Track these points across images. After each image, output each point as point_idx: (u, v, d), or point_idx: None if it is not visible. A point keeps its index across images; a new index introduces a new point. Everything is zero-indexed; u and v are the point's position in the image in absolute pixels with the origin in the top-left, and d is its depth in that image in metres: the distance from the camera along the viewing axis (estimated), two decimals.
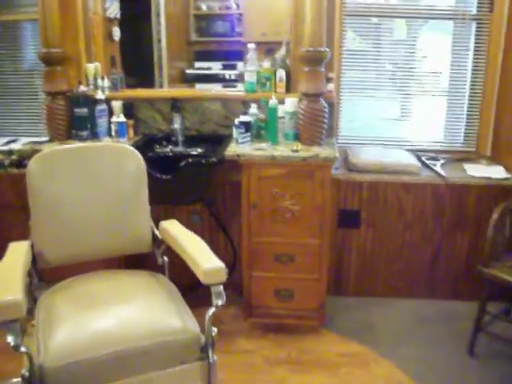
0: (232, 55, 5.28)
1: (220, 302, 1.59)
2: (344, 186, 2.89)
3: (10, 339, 1.39)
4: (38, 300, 1.86)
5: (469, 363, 2.51)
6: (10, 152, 3.25)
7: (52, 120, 2.76)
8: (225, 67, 5.30)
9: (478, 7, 3.10)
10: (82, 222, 1.96)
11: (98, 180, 1.98)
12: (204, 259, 1.64)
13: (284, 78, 2.75)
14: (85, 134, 2.75)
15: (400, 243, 2.97)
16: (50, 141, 2.79)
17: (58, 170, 1.94)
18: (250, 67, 2.77)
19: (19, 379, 1.64)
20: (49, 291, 1.89)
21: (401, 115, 3.50)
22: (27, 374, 1.44)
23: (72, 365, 1.50)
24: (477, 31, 3.14)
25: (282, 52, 2.78)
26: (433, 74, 3.40)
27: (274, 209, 2.54)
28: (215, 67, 5.30)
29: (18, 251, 1.76)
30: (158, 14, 4.61)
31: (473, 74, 3.19)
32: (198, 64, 5.34)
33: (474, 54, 3.17)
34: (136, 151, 2.02)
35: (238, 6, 5.35)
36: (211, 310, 1.61)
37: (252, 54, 2.78)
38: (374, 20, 3.37)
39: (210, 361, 1.64)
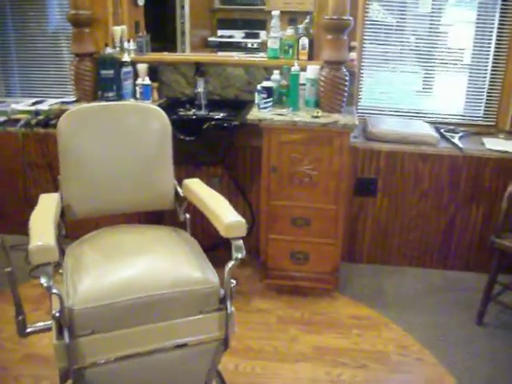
0: (255, 24, 5.26)
1: (240, 256, 1.66)
2: (362, 155, 2.94)
3: (43, 281, 1.48)
4: (65, 251, 1.95)
5: (477, 332, 2.59)
6: (37, 112, 3.34)
7: (79, 81, 2.83)
8: (247, 36, 5.29)
9: None
10: (108, 177, 2.04)
11: (124, 138, 2.05)
12: (226, 214, 1.71)
13: (307, 45, 2.78)
14: (110, 95, 2.82)
15: (415, 213, 3.02)
16: (77, 101, 2.87)
17: (86, 127, 2.01)
18: (274, 34, 2.80)
19: (50, 322, 1.76)
20: (76, 242, 1.98)
21: (422, 88, 3.51)
22: (58, 314, 1.53)
23: (98, 308, 1.59)
24: (502, 5, 3.11)
25: (305, 20, 2.80)
26: (456, 49, 3.40)
27: (293, 173, 2.60)
28: (237, 35, 5.29)
29: (49, 201, 1.85)
30: None
31: (496, 49, 3.19)
32: (220, 32, 5.34)
33: (498, 29, 3.15)
34: (162, 111, 2.08)
35: None
36: (231, 263, 1.68)
37: (276, 20, 2.81)
38: None
39: (228, 311, 1.71)
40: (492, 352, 2.43)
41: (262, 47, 4.45)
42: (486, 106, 3.28)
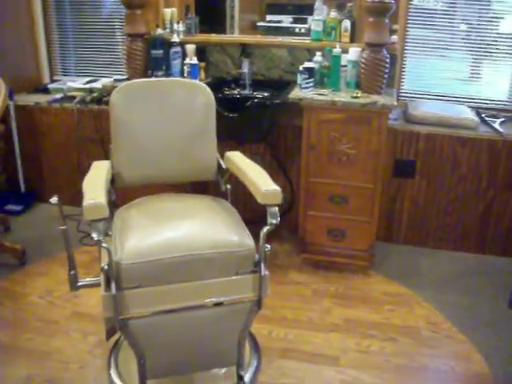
0: (303, 9, 5.27)
1: (274, 221, 1.77)
2: (401, 137, 2.99)
3: (94, 235, 1.62)
4: (114, 214, 2.11)
5: (508, 314, 2.61)
6: (91, 90, 3.54)
7: (130, 60, 2.99)
8: (295, 21, 5.31)
9: None
10: (155, 148, 2.17)
11: (171, 111, 2.18)
12: (263, 183, 1.83)
13: (349, 27, 2.85)
14: (160, 74, 2.96)
15: (453, 196, 3.05)
16: (128, 79, 3.02)
17: (136, 101, 2.14)
18: (317, 17, 2.88)
19: (99, 277, 1.93)
20: (124, 207, 2.13)
21: (470, 76, 3.50)
22: (106, 267, 1.68)
23: (143, 263, 1.73)
24: None
25: (349, 4, 2.87)
26: (507, 35, 3.37)
27: (331, 152, 2.69)
28: (286, 20, 5.32)
29: (101, 167, 2.00)
30: None
31: None
32: (269, 17, 5.38)
33: None
34: (207, 87, 2.20)
35: None
36: (265, 228, 1.78)
37: (319, 3, 2.88)
38: None
39: (262, 274, 1.83)
40: None
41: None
42: None
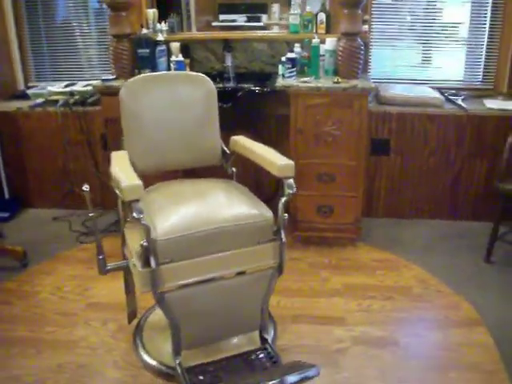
0: (256, 7, 5.45)
1: (291, 191, 1.97)
2: (375, 118, 3.25)
3: (135, 214, 1.77)
4: None
5: (486, 268, 2.93)
6: (72, 93, 3.62)
7: (118, 60, 3.12)
8: (249, 19, 5.46)
9: None
10: (164, 137, 2.31)
11: (177, 102, 2.33)
12: (277, 158, 2.03)
13: (324, 20, 3.09)
14: (147, 71, 3.09)
15: (425, 169, 3.35)
16: (116, 78, 3.15)
17: (143, 94, 2.28)
18: (294, 11, 3.10)
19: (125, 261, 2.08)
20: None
21: (421, 61, 3.82)
22: (145, 244, 1.83)
23: (176, 239, 1.88)
24: None
25: None
26: (452, 23, 3.72)
27: (318, 134, 2.91)
28: (240, 20, 5.47)
29: (123, 156, 2.13)
30: None
31: (491, 19, 3.50)
32: (222, 17, 5.52)
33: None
34: (208, 78, 2.36)
35: None
36: (283, 199, 1.98)
37: None
38: None
39: (283, 240, 2.02)
40: (500, 283, 2.77)
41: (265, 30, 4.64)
42: (484, 72, 3.61)
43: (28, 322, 2.55)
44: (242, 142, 2.30)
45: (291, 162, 1.99)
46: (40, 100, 3.68)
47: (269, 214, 2.04)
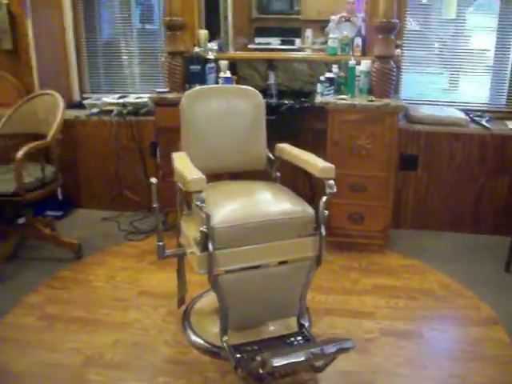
0: (290, 32, 5.72)
1: (331, 191, 2.24)
2: (405, 135, 3.51)
3: (199, 203, 2.05)
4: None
5: (505, 277, 3.15)
6: (124, 104, 3.96)
7: (171, 75, 3.45)
8: (283, 43, 5.75)
9: None
10: (218, 143, 2.59)
11: (229, 112, 2.62)
12: (319, 161, 2.30)
13: (360, 44, 3.38)
14: (197, 86, 3.40)
15: (450, 184, 3.59)
16: (170, 91, 3.47)
17: (201, 104, 2.59)
18: (333, 35, 3.41)
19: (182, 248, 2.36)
20: None
21: (449, 85, 4.10)
22: (206, 230, 2.10)
23: (231, 228, 2.15)
24: None
25: (359, 23, 3.42)
26: (478, 51, 3.99)
27: (352, 147, 3.18)
28: (274, 43, 5.75)
29: (184, 156, 2.42)
30: None
31: None
32: (258, 39, 5.80)
33: None
34: (258, 92, 2.67)
35: None
36: (325, 197, 2.26)
37: (333, 24, 3.42)
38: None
39: (323, 234, 2.28)
40: None
41: None
42: (508, 96, 3.85)
43: (85, 304, 2.83)
44: (287, 149, 2.59)
45: (332, 165, 2.26)
46: (95, 110, 4.03)
47: (311, 210, 2.32)
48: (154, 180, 2.30)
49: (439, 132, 3.50)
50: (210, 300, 2.77)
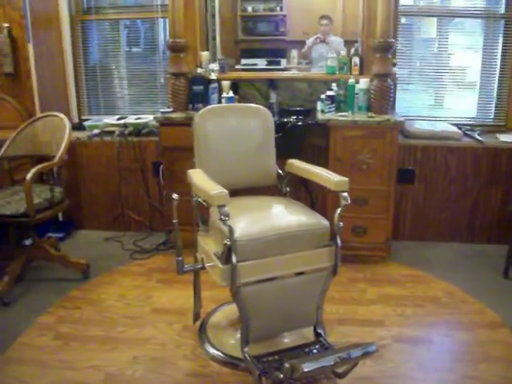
0: (276, 52, 5.85)
1: (346, 203, 2.34)
2: (402, 150, 3.64)
3: (223, 217, 2.12)
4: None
5: (504, 283, 3.28)
6: (125, 125, 4.03)
7: (175, 95, 3.54)
8: (269, 63, 5.83)
9: (506, 6, 3.88)
10: (230, 160, 2.67)
11: (241, 130, 2.72)
12: (333, 175, 2.40)
13: (358, 63, 3.52)
14: (200, 106, 3.49)
15: (446, 196, 3.73)
16: (173, 111, 3.55)
17: (213, 122, 2.68)
18: (331, 55, 3.55)
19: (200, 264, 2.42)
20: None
21: (434, 103, 4.27)
22: (229, 242, 2.17)
23: (253, 241, 2.22)
24: (505, 27, 3.91)
25: (356, 44, 3.56)
26: (462, 68, 4.19)
27: (354, 162, 3.30)
28: (260, 63, 5.84)
29: (201, 172, 2.49)
30: (213, 16, 5.28)
31: (502, 62, 3.96)
32: (244, 61, 5.89)
33: (503, 47, 3.93)
34: (267, 110, 2.77)
35: (281, 7, 6.00)
36: (339, 209, 2.35)
37: (341, 44, 3.59)
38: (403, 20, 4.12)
39: (338, 244, 2.37)
40: None
41: None
42: (495, 110, 4.04)
43: (99, 323, 2.86)
44: (298, 164, 2.68)
45: (346, 178, 2.36)
46: (96, 131, 4.08)
47: (326, 222, 2.40)
48: (175, 196, 2.37)
49: (434, 146, 3.64)
50: (224, 314, 2.84)
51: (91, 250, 3.82)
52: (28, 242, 3.45)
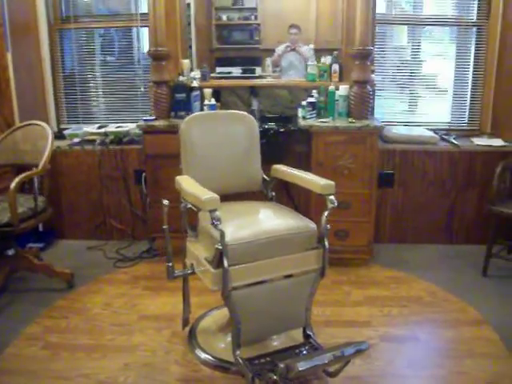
0: (250, 61, 5.89)
1: (333, 205, 2.40)
2: (381, 154, 3.72)
3: (214, 221, 2.15)
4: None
5: (484, 281, 3.39)
6: (106, 134, 4.03)
7: (157, 103, 3.56)
8: (244, 71, 5.87)
9: (477, 14, 4.03)
10: (216, 166, 2.70)
11: (227, 136, 2.75)
12: (318, 179, 2.47)
13: (337, 70, 3.60)
14: (183, 113, 3.51)
15: (424, 199, 3.83)
16: (156, 119, 3.57)
17: (199, 129, 2.70)
18: (311, 62, 3.62)
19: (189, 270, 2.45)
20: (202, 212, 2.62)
21: (408, 109, 4.39)
22: (220, 247, 2.20)
23: (243, 244, 2.25)
24: (477, 35, 4.05)
25: (335, 52, 3.65)
26: (434, 75, 4.33)
27: (335, 166, 3.36)
28: (235, 72, 5.86)
29: (189, 178, 2.52)
30: (189, 24, 5.32)
31: (474, 69, 4.10)
32: (219, 69, 5.91)
33: (475, 54, 4.08)
34: (251, 116, 2.81)
35: (255, 16, 6.09)
36: (326, 212, 2.41)
37: (311, 52, 3.64)
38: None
39: (326, 247, 2.42)
40: (497, 292, 3.22)
41: None
42: (469, 114, 4.18)
43: (87, 332, 2.85)
44: (283, 169, 2.73)
45: (332, 182, 2.43)
46: (76, 139, 4.06)
47: (313, 225, 2.46)
48: (166, 202, 2.39)
49: (412, 150, 3.74)
50: (213, 319, 2.87)
51: (74, 260, 3.79)
52: (10, 252, 3.40)
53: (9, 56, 3.77)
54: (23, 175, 3.09)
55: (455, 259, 3.70)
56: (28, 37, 4.05)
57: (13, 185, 2.96)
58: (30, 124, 3.48)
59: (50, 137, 3.32)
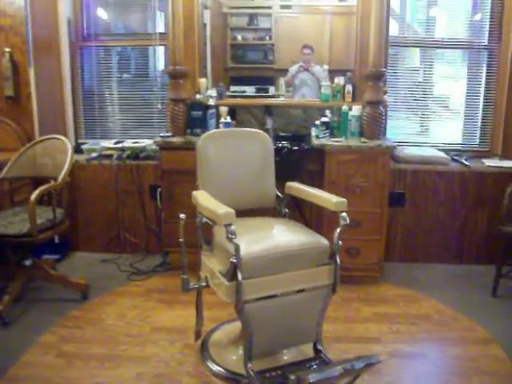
0: (264, 80, 6.02)
1: (345, 223, 2.46)
2: (392, 174, 3.78)
3: (230, 235, 2.21)
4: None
5: (493, 301, 3.40)
6: (123, 149, 4.12)
7: (174, 120, 3.65)
8: (258, 91, 5.99)
9: (489, 38, 4.11)
10: (231, 182, 2.77)
11: (242, 153, 2.82)
12: (331, 196, 2.53)
13: (351, 90, 3.68)
14: (199, 130, 3.61)
15: (434, 218, 3.87)
16: (173, 136, 3.66)
17: (216, 146, 2.78)
18: (325, 83, 3.71)
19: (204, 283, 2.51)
20: (217, 226, 2.67)
21: (420, 130, 4.46)
22: (235, 260, 2.26)
23: (256, 259, 2.32)
24: (488, 58, 4.12)
25: (348, 73, 3.73)
26: (445, 96, 4.40)
27: (348, 185, 3.42)
28: (249, 91, 5.99)
29: (205, 193, 2.59)
30: (205, 44, 5.44)
31: (485, 91, 4.16)
32: (233, 88, 6.05)
33: (487, 77, 4.14)
34: (267, 135, 2.89)
35: (270, 37, 6.22)
36: (339, 229, 2.47)
37: (325, 73, 3.73)
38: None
39: (338, 263, 2.48)
40: (506, 312, 3.25)
41: None
42: (480, 136, 4.24)
43: (101, 342, 2.90)
44: (297, 186, 2.80)
45: (344, 200, 2.49)
46: (94, 154, 4.16)
47: (325, 241, 2.52)
48: (182, 216, 2.46)
49: (424, 170, 3.80)
50: (225, 332, 2.92)
51: (88, 272, 3.86)
52: (28, 262, 3.48)
53: (31, 72, 3.90)
54: (43, 187, 3.17)
55: (465, 279, 3.73)
56: (50, 53, 4.17)
57: (33, 196, 3.04)
58: (50, 138, 3.57)
59: (70, 151, 3.41)
